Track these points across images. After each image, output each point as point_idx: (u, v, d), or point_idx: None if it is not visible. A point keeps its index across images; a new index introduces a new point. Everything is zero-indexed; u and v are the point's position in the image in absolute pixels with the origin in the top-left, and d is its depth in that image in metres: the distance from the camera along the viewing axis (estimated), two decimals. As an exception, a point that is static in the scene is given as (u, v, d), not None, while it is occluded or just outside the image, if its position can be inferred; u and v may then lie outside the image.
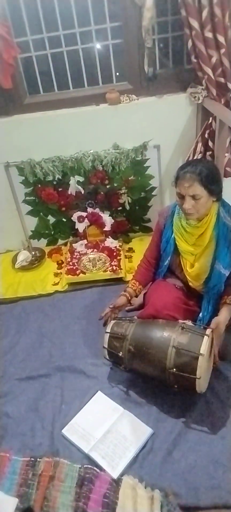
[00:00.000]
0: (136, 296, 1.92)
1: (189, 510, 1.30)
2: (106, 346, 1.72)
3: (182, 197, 1.60)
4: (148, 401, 1.66)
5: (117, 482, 1.38)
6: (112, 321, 1.78)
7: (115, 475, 1.40)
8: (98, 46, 2.35)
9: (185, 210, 1.60)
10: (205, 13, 1.96)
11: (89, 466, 1.45)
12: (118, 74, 2.42)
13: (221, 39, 1.99)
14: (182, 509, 1.29)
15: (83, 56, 2.36)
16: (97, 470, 1.44)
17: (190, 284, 1.79)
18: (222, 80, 2.11)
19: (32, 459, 1.50)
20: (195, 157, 2.33)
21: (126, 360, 1.67)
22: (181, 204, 1.62)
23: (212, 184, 1.56)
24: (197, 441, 1.49)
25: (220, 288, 1.72)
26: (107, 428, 1.57)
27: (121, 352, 1.67)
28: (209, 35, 2.00)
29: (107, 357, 1.75)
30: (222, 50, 2.02)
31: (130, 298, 1.86)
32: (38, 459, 1.50)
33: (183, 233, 1.72)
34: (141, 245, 2.57)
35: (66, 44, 2.33)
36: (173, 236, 1.77)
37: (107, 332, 1.73)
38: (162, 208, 1.90)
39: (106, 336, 1.73)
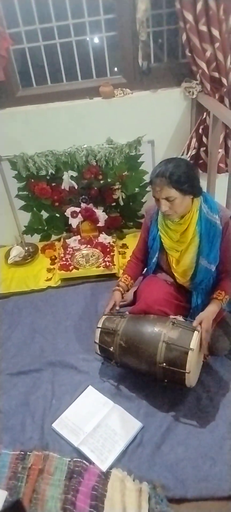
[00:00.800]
0: (128, 290, 1.92)
1: (177, 502, 1.31)
2: (97, 341, 1.72)
3: (157, 200, 1.61)
4: (138, 395, 1.67)
5: (105, 475, 1.39)
6: (104, 316, 1.77)
7: (104, 468, 1.41)
8: (92, 38, 2.34)
9: (162, 212, 1.62)
10: (199, 6, 1.95)
11: (78, 459, 1.45)
12: (116, 69, 2.41)
13: (215, 32, 1.98)
14: (169, 501, 1.30)
15: (77, 49, 2.34)
16: (87, 463, 1.44)
17: (178, 280, 1.80)
18: (216, 74, 2.10)
19: (22, 452, 1.51)
20: (189, 153, 2.33)
21: (116, 355, 1.67)
22: (158, 206, 1.64)
23: (183, 184, 1.54)
24: (186, 435, 1.49)
25: (208, 283, 1.72)
26: (97, 422, 1.57)
27: (112, 347, 1.67)
28: (203, 28, 1.99)
29: (98, 352, 1.75)
30: (217, 44, 2.01)
31: (123, 292, 1.86)
32: (28, 453, 1.50)
33: (167, 230, 1.73)
34: (134, 241, 2.53)
35: (60, 36, 2.31)
36: (158, 233, 1.78)
37: (99, 327, 1.73)
38: (149, 206, 1.90)
39: (98, 331, 1.73)
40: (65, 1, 2.19)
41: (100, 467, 1.41)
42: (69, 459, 1.46)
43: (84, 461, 1.45)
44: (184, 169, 1.55)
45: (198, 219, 1.65)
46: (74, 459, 1.45)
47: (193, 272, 1.73)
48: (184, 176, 1.54)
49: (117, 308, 1.81)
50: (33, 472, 1.44)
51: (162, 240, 1.76)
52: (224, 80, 2.09)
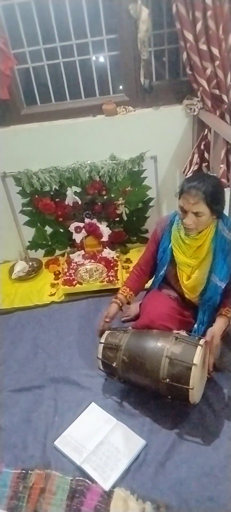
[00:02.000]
0: (128, 303, 1.89)
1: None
2: (100, 356, 1.71)
3: (184, 211, 1.58)
4: (142, 412, 1.64)
5: (108, 494, 1.37)
6: (107, 332, 1.76)
7: (107, 487, 1.38)
8: (95, 57, 2.38)
9: (185, 225, 1.59)
10: (199, 26, 1.98)
11: (81, 478, 1.43)
12: (121, 87, 2.44)
13: (215, 51, 2.01)
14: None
15: (80, 68, 2.38)
16: (89, 482, 1.42)
17: (186, 295, 1.78)
18: (216, 92, 2.12)
19: (24, 471, 1.49)
20: (191, 168, 2.34)
21: (119, 371, 1.65)
22: (182, 218, 1.60)
23: (217, 205, 1.55)
24: (190, 452, 1.47)
25: (216, 300, 1.71)
26: (100, 440, 1.55)
27: (114, 363, 1.65)
28: (203, 47, 2.02)
29: (101, 367, 1.73)
30: (217, 62, 2.03)
31: (121, 304, 1.83)
32: (29, 471, 1.48)
33: (181, 245, 1.70)
34: (138, 256, 2.50)
35: (63, 55, 2.35)
36: (170, 246, 1.75)
37: (102, 343, 1.72)
38: (160, 218, 1.89)
39: (101, 346, 1.72)
40: (68, 22, 2.24)
41: (102, 486, 1.39)
42: (72, 478, 1.43)
43: (86, 480, 1.42)
44: (220, 190, 1.57)
45: (213, 236, 1.65)
46: (77, 478, 1.43)
47: (203, 289, 1.71)
48: (219, 197, 1.56)
49: (107, 320, 1.78)
50: (34, 491, 1.42)
51: (174, 254, 1.74)
52: (224, 97, 2.10)
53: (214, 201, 1.54)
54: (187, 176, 2.22)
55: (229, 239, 1.63)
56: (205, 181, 1.54)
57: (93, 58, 2.38)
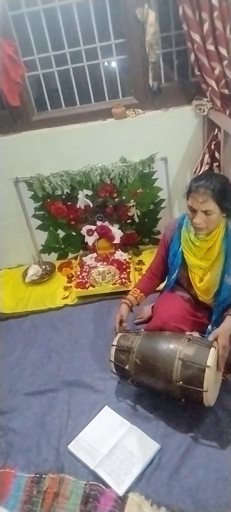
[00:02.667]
0: (138, 304, 1.88)
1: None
2: (112, 359, 1.70)
3: (193, 210, 1.57)
4: (156, 415, 1.62)
5: (122, 500, 1.35)
6: (119, 334, 1.75)
7: (121, 492, 1.37)
8: (103, 62, 2.39)
9: (195, 224, 1.57)
10: (206, 27, 1.96)
11: (94, 482, 1.42)
12: (132, 91, 2.44)
13: (223, 51, 1.99)
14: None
15: (89, 73, 2.40)
16: (103, 486, 1.41)
17: (200, 298, 1.76)
18: (226, 91, 2.10)
19: (38, 475, 1.49)
20: (202, 169, 2.31)
21: (132, 373, 1.64)
22: (192, 217, 1.59)
23: (225, 201, 1.53)
24: (206, 457, 1.44)
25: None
26: (114, 444, 1.54)
27: (127, 365, 1.64)
28: (211, 48, 2.00)
29: (114, 370, 1.73)
30: (225, 62, 2.01)
31: (130, 305, 1.82)
32: (43, 476, 1.48)
33: (191, 247, 1.69)
34: (151, 257, 2.50)
35: (72, 61, 2.37)
36: (180, 249, 1.74)
37: (114, 345, 1.72)
38: (168, 222, 1.88)
39: (113, 349, 1.71)
40: (77, 28, 2.26)
41: (116, 491, 1.37)
42: (85, 483, 1.43)
43: (100, 485, 1.41)
44: (229, 187, 1.56)
45: (224, 236, 1.62)
46: (90, 483, 1.42)
47: (217, 290, 1.68)
48: (228, 194, 1.54)
49: (124, 323, 1.77)
50: (48, 495, 1.42)
51: (185, 257, 1.72)
52: (233, 97, 2.09)
53: (223, 198, 1.52)
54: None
55: None
56: (212, 179, 1.53)
57: (104, 63, 2.39)
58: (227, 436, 1.49)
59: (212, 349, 1.48)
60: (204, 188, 1.51)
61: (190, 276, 1.75)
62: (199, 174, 1.58)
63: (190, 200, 1.57)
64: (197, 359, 1.47)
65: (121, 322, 1.78)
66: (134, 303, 1.84)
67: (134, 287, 1.90)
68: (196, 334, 1.60)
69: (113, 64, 2.39)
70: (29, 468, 1.52)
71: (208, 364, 1.43)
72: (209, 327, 1.72)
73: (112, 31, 2.27)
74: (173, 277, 1.80)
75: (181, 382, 1.47)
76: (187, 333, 1.61)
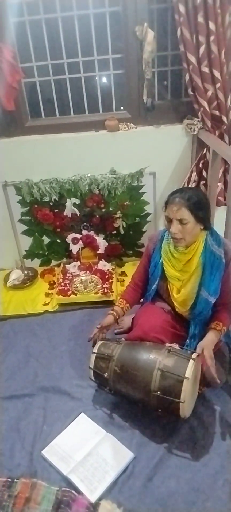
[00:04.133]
0: (123, 315, 1.90)
1: None
2: (92, 366, 1.70)
3: (169, 220, 1.63)
4: (131, 425, 1.62)
5: (94, 506, 1.34)
6: (100, 342, 1.76)
7: (93, 499, 1.35)
8: (100, 75, 2.45)
9: (171, 233, 1.63)
10: (202, 50, 2.05)
11: (67, 489, 1.40)
12: (122, 108, 2.51)
13: (217, 74, 2.08)
14: None
15: (85, 84, 2.44)
16: (75, 493, 1.39)
17: (177, 309, 1.79)
18: (217, 113, 2.19)
19: (9, 479, 1.45)
20: (189, 186, 2.38)
21: (111, 381, 1.64)
22: (168, 227, 1.66)
23: (199, 210, 1.59)
24: (179, 467, 1.44)
25: (207, 314, 1.71)
26: (88, 451, 1.52)
27: (106, 373, 1.64)
28: (205, 70, 2.09)
29: (92, 378, 1.72)
30: (218, 85, 2.10)
31: (117, 317, 1.84)
32: (15, 480, 1.45)
33: (171, 258, 1.74)
34: (133, 269, 2.51)
35: (70, 71, 2.42)
36: (161, 260, 1.78)
37: (94, 353, 1.71)
38: (152, 234, 1.93)
39: (93, 356, 1.71)
40: (76, 40, 2.31)
41: (89, 498, 1.36)
42: (58, 489, 1.40)
43: (73, 491, 1.39)
44: (202, 197, 1.63)
45: (202, 250, 1.67)
46: (63, 489, 1.40)
47: (193, 303, 1.72)
48: (201, 203, 1.60)
49: (99, 327, 1.79)
50: (19, 500, 1.38)
51: (164, 268, 1.76)
52: (224, 118, 2.17)
53: (197, 207, 1.58)
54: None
55: (218, 254, 1.65)
56: (187, 191, 1.63)
57: (99, 75, 2.44)
58: (201, 448, 1.50)
59: (191, 361, 1.50)
60: (179, 198, 1.59)
61: (168, 287, 1.79)
62: (176, 189, 1.67)
63: (167, 211, 1.65)
64: (175, 370, 1.48)
65: (101, 330, 1.79)
66: (120, 314, 1.87)
67: (120, 298, 1.93)
68: (176, 346, 1.62)
69: (109, 78, 2.45)
70: (1, 472, 1.48)
71: (186, 375, 1.45)
72: (187, 340, 1.74)
73: (110, 46, 2.33)
74: (153, 287, 1.84)
75: (158, 392, 1.48)
76: (167, 344, 1.63)
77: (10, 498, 1.39)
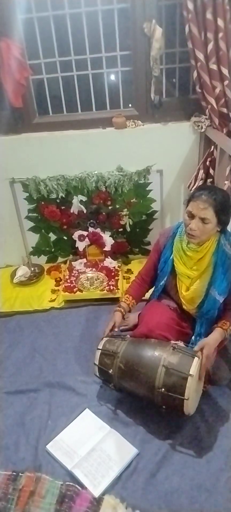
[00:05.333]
0: (129, 311, 1.90)
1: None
2: (97, 362, 1.71)
3: (191, 216, 1.60)
4: (135, 421, 1.63)
5: (97, 501, 1.35)
6: (105, 338, 1.76)
7: (96, 494, 1.36)
8: (107, 72, 2.44)
9: (190, 229, 1.59)
10: (210, 47, 2.04)
11: (71, 483, 1.42)
12: (130, 106, 2.50)
13: (225, 71, 2.06)
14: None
15: (92, 81, 2.45)
16: (79, 487, 1.40)
17: (184, 307, 1.78)
18: (224, 110, 2.17)
19: (14, 473, 1.47)
20: (196, 184, 2.37)
21: (115, 378, 1.64)
22: (188, 223, 1.61)
23: (224, 215, 1.58)
24: (182, 464, 1.45)
25: (213, 313, 1.70)
26: (92, 446, 1.54)
27: (111, 370, 1.64)
28: (213, 67, 2.07)
29: (97, 374, 1.73)
30: (226, 82, 2.08)
31: (124, 313, 1.85)
32: (20, 474, 1.47)
33: (182, 256, 1.72)
34: (139, 267, 2.51)
35: (77, 68, 2.42)
36: (171, 257, 1.77)
37: (99, 349, 1.72)
38: (163, 229, 1.91)
39: (98, 352, 1.72)
40: (84, 37, 2.31)
41: (92, 492, 1.37)
42: (62, 483, 1.42)
43: (76, 485, 1.40)
44: (229, 202, 1.60)
45: (215, 249, 1.66)
46: (67, 483, 1.41)
47: (201, 301, 1.71)
48: (227, 208, 1.58)
49: (116, 329, 1.79)
50: (24, 494, 1.40)
51: (175, 265, 1.75)
52: (232, 116, 2.15)
53: (223, 211, 1.56)
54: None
55: (230, 254, 1.64)
56: (216, 190, 1.59)
57: (106, 72, 2.43)
58: (204, 445, 1.51)
59: (196, 358, 1.49)
60: (207, 197, 1.55)
61: (177, 284, 1.78)
62: (203, 185, 1.64)
63: (191, 206, 1.60)
64: (180, 368, 1.48)
65: (112, 328, 1.79)
66: (127, 310, 1.87)
67: (126, 294, 1.93)
68: (181, 344, 1.61)
69: (117, 75, 2.44)
70: (6, 466, 1.50)
71: (190, 373, 1.45)
72: (192, 338, 1.74)
73: (118, 43, 2.32)
74: (161, 283, 1.83)
75: (163, 389, 1.48)
76: (172, 341, 1.63)
77: (15, 491, 1.41)
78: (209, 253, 1.66)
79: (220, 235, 1.66)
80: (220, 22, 1.98)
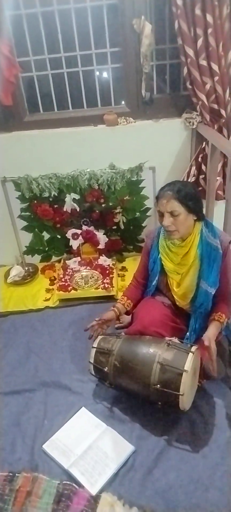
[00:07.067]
0: (127, 313, 1.92)
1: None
2: (92, 361, 1.71)
3: (161, 214, 1.65)
4: (131, 418, 1.63)
5: (95, 499, 1.35)
6: (100, 337, 1.76)
7: (93, 492, 1.37)
8: (98, 69, 2.43)
9: (165, 227, 1.64)
10: (200, 42, 2.04)
11: (68, 482, 1.41)
12: (123, 103, 2.50)
13: (215, 67, 2.07)
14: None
15: (83, 78, 2.43)
16: (76, 486, 1.40)
17: (177, 303, 1.80)
18: (215, 106, 2.17)
19: (11, 474, 1.47)
20: (189, 180, 2.37)
21: (111, 376, 1.65)
22: (161, 221, 1.67)
23: (189, 201, 1.60)
24: (179, 459, 1.45)
25: (207, 306, 1.72)
26: (89, 445, 1.54)
27: (106, 368, 1.65)
28: (203, 63, 2.08)
29: (93, 372, 1.73)
30: (216, 78, 2.09)
31: (118, 313, 1.86)
32: (16, 474, 1.46)
33: (168, 253, 1.75)
34: (134, 264, 2.57)
35: (67, 65, 2.40)
36: (159, 256, 1.80)
37: (94, 347, 1.72)
38: (149, 230, 1.95)
39: (93, 351, 1.72)
40: (73, 34, 2.30)
41: (89, 491, 1.37)
42: (59, 482, 1.41)
43: (73, 484, 1.40)
44: (190, 188, 1.65)
45: (199, 242, 1.68)
46: (64, 482, 1.41)
47: (193, 295, 1.73)
48: (190, 194, 1.61)
49: (97, 319, 1.80)
50: (20, 494, 1.40)
51: (163, 263, 1.78)
52: (222, 112, 2.16)
53: (186, 198, 1.59)
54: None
55: (215, 245, 1.67)
56: (175, 183, 1.64)
57: (97, 69, 2.43)
58: (200, 441, 1.52)
59: (190, 354, 1.50)
60: (167, 191, 1.61)
61: (168, 282, 1.79)
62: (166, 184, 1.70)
63: (158, 205, 1.66)
64: (175, 364, 1.49)
65: (100, 324, 1.79)
66: (122, 311, 1.88)
67: (121, 295, 1.95)
68: (175, 340, 1.63)
69: (108, 72, 2.43)
70: (2, 466, 1.49)
71: (185, 368, 1.46)
72: (187, 333, 1.75)
73: (108, 40, 2.31)
74: (153, 283, 1.85)
75: (158, 386, 1.49)
76: (167, 338, 1.63)
77: (12, 492, 1.40)
78: (194, 246, 1.69)
79: (202, 227, 1.69)
80: (209, 18, 1.98)
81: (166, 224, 1.62)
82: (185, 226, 1.64)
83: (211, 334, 1.61)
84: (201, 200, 1.70)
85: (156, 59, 2.37)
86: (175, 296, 1.78)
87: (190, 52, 2.07)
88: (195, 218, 1.66)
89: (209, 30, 2.00)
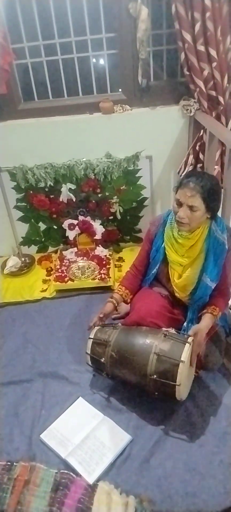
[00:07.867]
0: (125, 302, 1.90)
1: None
2: (89, 352, 1.71)
3: (179, 204, 1.58)
4: (128, 408, 1.64)
5: (92, 488, 1.36)
6: (96, 327, 1.76)
7: (91, 481, 1.38)
8: (93, 55, 2.39)
9: (179, 217, 1.58)
10: (197, 27, 2.00)
11: (65, 471, 1.43)
12: (120, 90, 2.46)
13: (213, 52, 2.03)
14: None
15: (78, 65, 2.39)
16: (73, 475, 1.41)
17: (176, 294, 1.79)
18: (213, 93, 2.14)
19: (9, 463, 1.48)
20: (186, 169, 2.35)
21: (107, 366, 1.65)
22: (176, 211, 1.60)
23: (212, 202, 1.56)
24: (175, 449, 1.47)
25: (205, 300, 1.72)
26: (86, 434, 1.55)
27: (103, 358, 1.65)
28: (201, 48, 2.04)
29: (89, 363, 1.74)
30: (214, 64, 2.05)
31: (116, 304, 1.84)
32: (14, 463, 1.47)
33: (174, 243, 1.72)
34: (131, 255, 2.57)
35: (62, 52, 2.36)
36: (163, 245, 1.77)
37: (91, 338, 1.73)
38: (154, 217, 1.90)
39: (90, 342, 1.72)
40: (68, 19, 2.25)
41: (87, 479, 1.38)
42: (56, 471, 1.43)
43: (71, 473, 1.42)
44: (218, 189, 1.58)
45: (206, 236, 1.66)
46: (61, 471, 1.43)
47: (194, 288, 1.72)
48: (216, 195, 1.57)
49: (101, 315, 1.78)
50: (18, 483, 1.41)
51: (167, 253, 1.75)
52: (221, 99, 2.13)
53: (211, 198, 1.55)
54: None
55: (222, 240, 1.64)
56: (204, 177, 1.56)
57: (92, 55, 2.39)
58: (197, 430, 1.53)
59: (187, 345, 1.51)
60: (194, 184, 1.53)
61: (169, 272, 1.78)
62: (191, 170, 1.62)
63: (178, 193, 1.59)
64: (171, 354, 1.49)
65: (101, 318, 1.79)
66: (120, 301, 1.86)
67: (119, 285, 1.92)
68: (172, 330, 1.62)
69: (103, 58, 2.39)
70: (0, 456, 1.50)
71: (182, 359, 1.46)
72: (184, 324, 1.76)
73: (104, 25, 2.27)
74: (153, 271, 1.83)
75: (155, 376, 1.50)
76: (164, 329, 1.64)
77: (10, 481, 1.42)
78: (201, 240, 1.66)
79: (211, 222, 1.66)
80: (207, 1, 1.94)
81: (182, 216, 1.56)
82: (198, 222, 1.60)
83: (201, 326, 1.60)
84: (221, 200, 1.64)
85: (152, 45, 2.33)
86: (174, 287, 1.77)
87: (188, 37, 2.03)
88: (209, 216, 1.62)
89: (207, 14, 1.95)
